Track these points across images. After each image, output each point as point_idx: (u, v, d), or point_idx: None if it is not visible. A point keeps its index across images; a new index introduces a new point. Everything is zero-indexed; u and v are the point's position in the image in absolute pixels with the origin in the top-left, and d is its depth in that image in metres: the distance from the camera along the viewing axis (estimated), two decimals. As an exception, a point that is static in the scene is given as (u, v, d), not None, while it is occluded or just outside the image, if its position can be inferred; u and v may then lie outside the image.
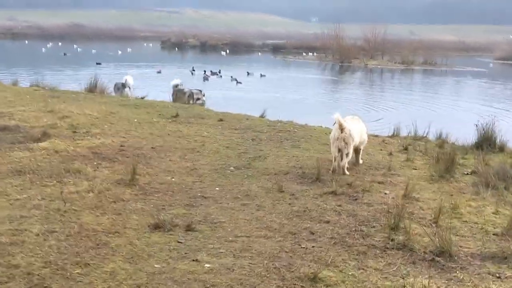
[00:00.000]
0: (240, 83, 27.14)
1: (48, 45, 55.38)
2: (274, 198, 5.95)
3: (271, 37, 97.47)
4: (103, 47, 59.71)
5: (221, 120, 11.02)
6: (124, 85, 17.10)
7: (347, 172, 7.23)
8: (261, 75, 31.33)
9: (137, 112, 11.36)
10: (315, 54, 53.42)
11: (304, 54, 55.65)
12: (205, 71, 30.13)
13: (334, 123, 7.31)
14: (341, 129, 7.10)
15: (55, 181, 6.05)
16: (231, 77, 28.97)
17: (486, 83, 34.18)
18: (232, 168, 7.19)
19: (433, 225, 5.29)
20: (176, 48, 64.08)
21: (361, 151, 7.94)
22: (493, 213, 5.79)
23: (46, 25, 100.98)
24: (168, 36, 77.77)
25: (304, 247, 4.64)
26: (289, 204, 5.78)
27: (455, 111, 20.59)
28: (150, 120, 10.45)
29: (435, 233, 4.87)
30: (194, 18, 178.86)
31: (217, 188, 6.25)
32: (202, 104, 16.59)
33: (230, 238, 4.78)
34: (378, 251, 4.66)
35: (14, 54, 45.94)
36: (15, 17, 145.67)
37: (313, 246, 4.67)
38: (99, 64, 35.13)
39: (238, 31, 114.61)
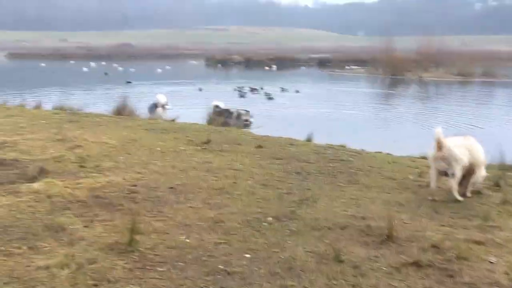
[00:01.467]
0: (272, 98, 25.33)
1: (91, 65, 55.49)
2: (330, 274, 4.07)
3: (317, 51, 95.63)
4: (145, 66, 59.58)
5: (259, 146, 9.25)
6: (156, 105, 15.72)
7: (458, 197, 6.22)
8: (296, 91, 29.15)
9: (163, 138, 9.75)
10: (364, 67, 51.13)
11: (351, 67, 53.48)
12: (239, 88, 28.51)
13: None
14: (439, 147, 6.20)
15: (24, 247, 4.41)
16: (265, 92, 27.39)
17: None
18: (270, 218, 5.37)
19: None
20: (220, 65, 63.12)
21: (475, 177, 6.46)
22: None
23: (96, 46, 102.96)
24: (212, 53, 77.25)
25: None
26: (353, 287, 3.90)
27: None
28: (176, 149, 8.80)
29: None
30: (239, 35, 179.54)
31: (247, 255, 4.43)
32: (248, 126, 15.22)
33: None
34: None
35: (53, 75, 45.82)
36: (67, 38, 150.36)
37: None
38: (129, 82, 34.10)
39: (284, 47, 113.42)
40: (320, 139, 11.22)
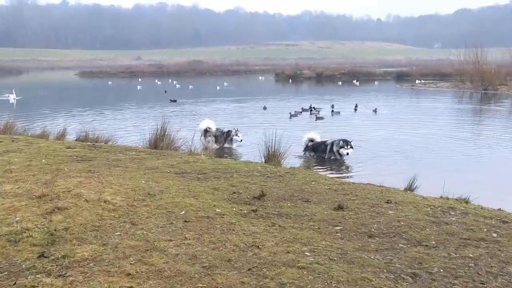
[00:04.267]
0: (321, 118, 21.75)
1: (158, 83, 54.25)
2: None
3: (391, 65, 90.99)
4: (205, 83, 57.81)
5: (340, 208, 5.94)
6: (207, 132, 12.94)
7: None
8: (333, 112, 23.88)
9: (197, 189, 6.67)
10: (448, 81, 46.34)
11: (433, 81, 48.75)
12: (311, 108, 24.39)
13: None
14: None
15: None
16: (311, 110, 23.57)
17: None
18: None
19: None
20: (290, 80, 60.10)
21: None
22: None
23: (166, 63, 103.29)
24: (282, 68, 74.51)
25: None
26: None
27: None
28: (210, 212, 5.68)
29: None
30: (310, 50, 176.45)
31: None
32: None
33: None
34: None
35: (107, 93, 44.54)
36: (141, 56, 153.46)
37: None
38: (174, 101, 30.65)
39: (356, 61, 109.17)
40: (426, 185, 7.81)
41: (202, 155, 9.23)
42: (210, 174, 7.65)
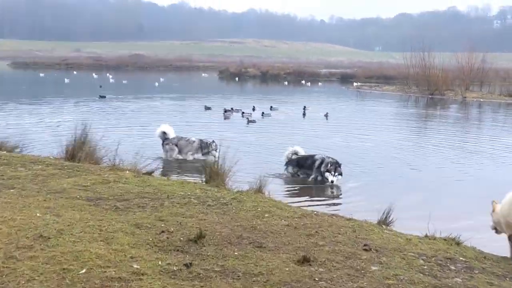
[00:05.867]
0: (253, 121, 19.85)
1: (94, 76, 51.30)
2: None
3: (334, 66, 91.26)
4: (144, 78, 55.47)
5: (305, 261, 4.35)
6: (165, 140, 11.33)
7: None
8: (263, 114, 22.06)
9: (111, 227, 4.89)
10: (393, 85, 46.16)
11: (379, 84, 48.51)
12: (226, 109, 22.61)
13: None
14: None
15: None
16: (243, 113, 21.69)
17: None
18: None
19: None
20: (237, 78, 58.44)
21: None
22: None
23: (106, 56, 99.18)
24: (227, 65, 72.81)
25: None
26: None
27: None
28: (123, 270, 3.95)
29: None
30: (255, 48, 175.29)
31: None
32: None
33: None
34: None
35: (34, 85, 41.17)
36: (81, 49, 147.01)
37: None
38: (103, 97, 27.96)
39: (301, 61, 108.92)
40: (398, 212, 6.44)
41: (127, 171, 7.43)
42: (133, 201, 5.90)
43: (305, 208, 6.78)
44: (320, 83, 54.75)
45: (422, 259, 4.59)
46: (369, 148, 14.84)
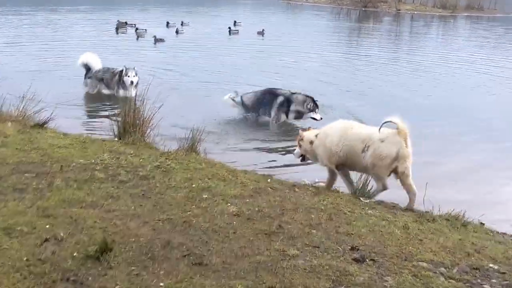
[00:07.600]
0: (161, 40, 16.95)
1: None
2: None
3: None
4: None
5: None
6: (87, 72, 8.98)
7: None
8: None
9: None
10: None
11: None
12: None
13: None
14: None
15: None
16: (136, 29, 18.76)
17: None
18: None
19: None
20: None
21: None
22: None
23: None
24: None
25: None
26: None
27: None
28: None
29: None
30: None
31: None
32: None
33: None
34: None
35: None
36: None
37: None
38: None
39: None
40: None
41: (9, 123, 5.42)
42: (8, 179, 4.00)
43: (257, 172, 5.09)
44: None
45: (443, 276, 3.15)
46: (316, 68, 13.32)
